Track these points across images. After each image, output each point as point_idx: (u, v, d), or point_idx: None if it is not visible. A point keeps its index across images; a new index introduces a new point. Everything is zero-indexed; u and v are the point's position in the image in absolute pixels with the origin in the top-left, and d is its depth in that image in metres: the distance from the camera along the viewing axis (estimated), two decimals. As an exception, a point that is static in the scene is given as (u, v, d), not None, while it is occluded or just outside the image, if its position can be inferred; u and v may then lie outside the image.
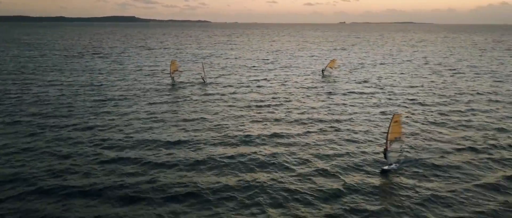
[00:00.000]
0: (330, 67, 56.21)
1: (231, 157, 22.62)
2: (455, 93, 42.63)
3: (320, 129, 28.58)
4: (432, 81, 50.74)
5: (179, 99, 38.82)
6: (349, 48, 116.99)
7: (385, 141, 20.64)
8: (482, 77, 54.40)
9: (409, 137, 25.92)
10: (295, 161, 22.12)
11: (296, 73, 59.27)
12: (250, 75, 56.08)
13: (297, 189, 18.51)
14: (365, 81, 50.50)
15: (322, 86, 47.14)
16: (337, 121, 30.88)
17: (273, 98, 39.68)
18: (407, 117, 31.63)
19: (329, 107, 35.76)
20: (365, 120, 31.25)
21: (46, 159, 22.13)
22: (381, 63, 73.01)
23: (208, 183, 19.04)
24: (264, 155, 22.90)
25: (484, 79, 52.60)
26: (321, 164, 21.57)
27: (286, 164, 21.54)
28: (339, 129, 28.57)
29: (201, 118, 31.56)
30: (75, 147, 24.28)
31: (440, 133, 27.71)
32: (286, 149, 24.14)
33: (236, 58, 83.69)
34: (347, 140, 25.90)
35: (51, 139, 25.69)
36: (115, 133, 27.17)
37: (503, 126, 29.38)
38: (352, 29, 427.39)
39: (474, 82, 50.46)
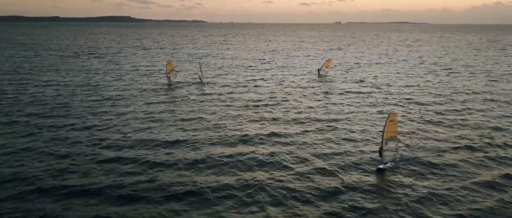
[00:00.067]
0: (326, 67, 56.41)
1: (230, 156, 22.73)
2: (451, 92, 42.98)
3: (318, 128, 28.76)
4: (428, 81, 51.10)
5: (176, 99, 38.86)
6: (345, 48, 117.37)
7: (381, 140, 20.83)
8: (477, 77, 54.86)
9: (405, 136, 26.19)
10: (293, 159, 22.27)
11: (293, 73, 59.48)
12: (247, 75, 56.20)
13: (296, 187, 18.65)
14: (361, 81, 50.78)
15: (319, 86, 47.38)
16: (334, 120, 31.08)
17: (270, 98, 39.81)
18: (403, 116, 31.87)
19: (326, 106, 35.96)
20: (362, 119, 31.46)
21: (44, 159, 22.11)
22: (377, 63, 73.36)
23: (207, 182, 19.15)
24: (262, 154, 23.03)
25: (479, 79, 53.05)
26: (319, 163, 21.73)
27: (284, 163, 21.67)
28: (337, 127, 28.76)
29: (199, 117, 31.65)
30: (73, 146, 24.28)
31: (436, 131, 27.97)
32: (284, 147, 24.28)
33: (232, 58, 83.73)
34: (345, 139, 26.08)
35: (49, 139, 25.67)
36: (113, 133, 27.19)
37: (499, 125, 29.69)
38: (348, 29, 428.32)
39: (469, 81, 50.89)
